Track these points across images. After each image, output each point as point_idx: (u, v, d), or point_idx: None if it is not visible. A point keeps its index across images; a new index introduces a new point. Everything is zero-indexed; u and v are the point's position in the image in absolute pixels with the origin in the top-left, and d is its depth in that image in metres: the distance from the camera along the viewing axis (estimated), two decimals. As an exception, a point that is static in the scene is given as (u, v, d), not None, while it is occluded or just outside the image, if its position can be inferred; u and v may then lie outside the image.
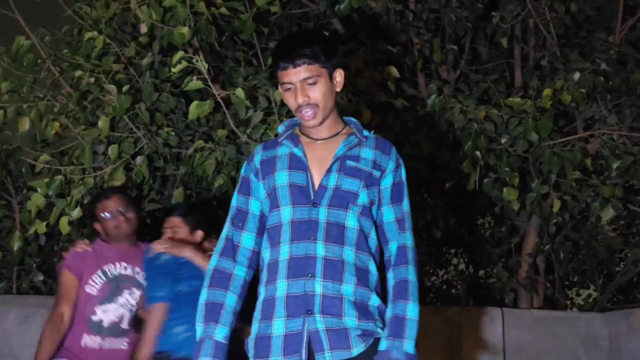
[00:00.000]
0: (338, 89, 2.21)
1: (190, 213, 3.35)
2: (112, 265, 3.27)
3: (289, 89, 2.15)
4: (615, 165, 4.34)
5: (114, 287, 3.25)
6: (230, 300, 2.15)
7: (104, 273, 3.25)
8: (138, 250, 3.34)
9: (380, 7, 4.68)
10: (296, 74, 2.11)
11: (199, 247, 3.24)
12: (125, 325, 3.24)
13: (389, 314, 2.09)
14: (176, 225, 3.29)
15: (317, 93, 2.13)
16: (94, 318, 3.19)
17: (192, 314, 2.89)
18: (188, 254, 3.09)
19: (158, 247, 3.13)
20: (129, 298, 3.27)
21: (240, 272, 2.19)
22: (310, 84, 2.13)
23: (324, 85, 2.14)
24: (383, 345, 2.05)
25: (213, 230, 3.37)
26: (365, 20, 4.90)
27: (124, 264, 3.29)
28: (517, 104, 4.24)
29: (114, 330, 3.21)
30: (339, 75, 2.20)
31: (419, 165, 4.63)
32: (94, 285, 3.22)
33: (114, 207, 3.29)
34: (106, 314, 3.21)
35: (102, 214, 3.29)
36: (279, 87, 2.19)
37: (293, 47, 2.12)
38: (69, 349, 3.17)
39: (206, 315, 2.13)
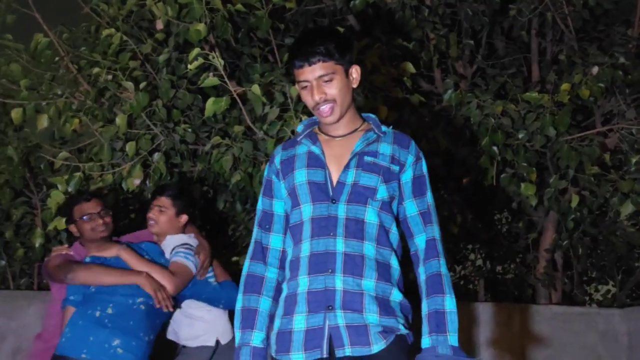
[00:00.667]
0: (354, 85, 2.22)
1: (180, 197, 3.41)
2: None
3: (306, 87, 2.17)
4: (634, 160, 4.30)
5: None
6: (264, 304, 2.19)
7: None
8: None
9: (395, 2, 4.67)
10: (312, 72, 2.13)
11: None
12: None
13: (426, 309, 2.09)
14: (164, 206, 3.37)
15: (334, 89, 2.15)
16: None
17: (87, 315, 3.01)
18: (113, 253, 3.16)
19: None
20: None
21: (272, 275, 2.23)
22: (326, 81, 2.14)
23: (340, 81, 2.15)
24: (426, 342, 2.05)
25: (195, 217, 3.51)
26: (380, 16, 4.89)
27: None
28: (534, 98, 4.21)
29: None
30: (355, 72, 2.21)
31: (436, 161, 4.62)
32: None
33: (92, 210, 3.31)
34: None
35: (80, 216, 3.31)
36: (296, 85, 2.20)
37: (308, 46, 2.13)
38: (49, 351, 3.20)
39: (242, 321, 2.17)
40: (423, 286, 2.13)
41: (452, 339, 2.04)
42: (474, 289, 7.35)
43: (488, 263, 7.07)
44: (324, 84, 2.14)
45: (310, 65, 2.12)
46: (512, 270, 6.83)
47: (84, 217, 3.30)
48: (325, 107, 2.16)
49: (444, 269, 2.13)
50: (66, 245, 3.41)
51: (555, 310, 4.75)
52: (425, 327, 2.07)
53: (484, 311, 4.60)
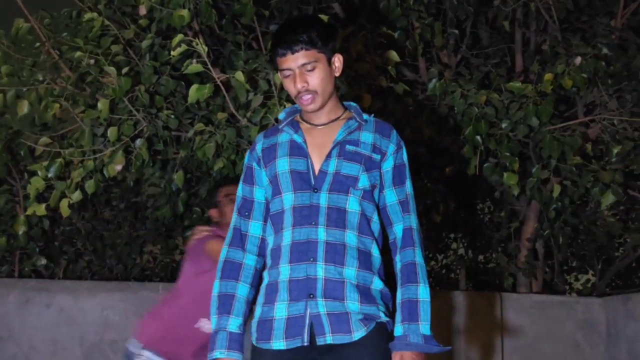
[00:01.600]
0: (337, 74, 2.22)
1: None
2: None
3: (288, 75, 2.16)
4: (615, 151, 4.33)
5: None
6: (242, 290, 2.18)
7: None
8: None
9: (381, -10, 4.65)
10: (294, 60, 2.12)
11: None
12: None
13: (399, 297, 2.11)
14: None
15: (316, 79, 2.14)
16: None
17: None
18: None
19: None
20: None
21: (250, 261, 2.22)
22: (309, 70, 2.13)
23: (323, 70, 2.15)
24: (399, 331, 2.06)
25: None
26: (365, 4, 4.87)
27: None
28: (517, 88, 4.22)
29: None
30: (338, 60, 2.20)
31: (420, 150, 4.63)
32: None
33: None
34: None
35: (225, 195, 3.23)
36: (279, 73, 2.20)
37: (291, 33, 2.12)
38: (170, 339, 3.11)
39: (219, 307, 2.16)
40: (398, 275, 2.14)
41: (424, 327, 2.06)
42: (456, 277, 7.40)
43: (470, 252, 7.11)
44: (306, 73, 2.13)
45: (293, 53, 2.11)
46: (493, 259, 6.88)
47: (230, 197, 3.17)
48: (307, 97, 2.16)
49: (419, 259, 2.14)
50: (210, 228, 3.27)
51: (536, 299, 4.80)
52: (398, 316, 2.08)
53: (465, 300, 4.63)
